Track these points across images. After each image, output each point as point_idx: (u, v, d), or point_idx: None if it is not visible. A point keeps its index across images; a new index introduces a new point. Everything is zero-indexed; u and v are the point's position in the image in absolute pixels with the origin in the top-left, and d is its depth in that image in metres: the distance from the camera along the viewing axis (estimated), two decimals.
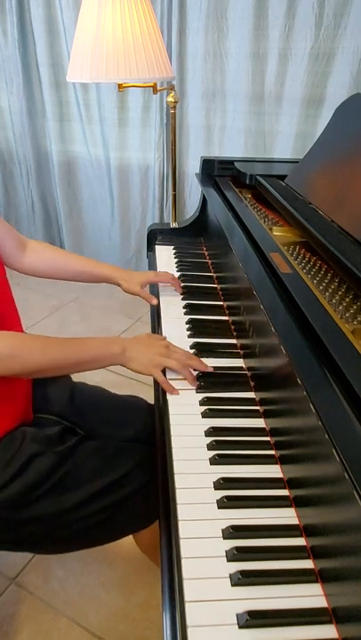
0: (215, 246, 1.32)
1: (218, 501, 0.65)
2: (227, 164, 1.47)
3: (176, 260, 1.36)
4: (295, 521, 0.63)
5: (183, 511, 0.64)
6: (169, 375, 0.87)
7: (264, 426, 0.78)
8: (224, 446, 0.73)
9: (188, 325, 1.04)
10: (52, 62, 2.41)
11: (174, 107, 1.42)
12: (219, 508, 0.64)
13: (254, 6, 1.93)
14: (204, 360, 0.90)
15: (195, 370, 0.88)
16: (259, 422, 0.79)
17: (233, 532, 0.60)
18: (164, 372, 0.87)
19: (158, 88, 1.42)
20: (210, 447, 0.73)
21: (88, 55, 1.23)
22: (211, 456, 0.71)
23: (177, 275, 1.26)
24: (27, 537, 0.85)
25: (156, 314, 1.15)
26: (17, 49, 2.40)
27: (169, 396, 0.84)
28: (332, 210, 0.98)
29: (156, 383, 0.90)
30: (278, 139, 2.17)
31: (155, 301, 1.14)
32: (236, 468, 0.70)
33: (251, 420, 0.80)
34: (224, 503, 0.64)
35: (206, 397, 0.83)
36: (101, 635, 1.14)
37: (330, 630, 0.51)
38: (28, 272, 1.11)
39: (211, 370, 0.89)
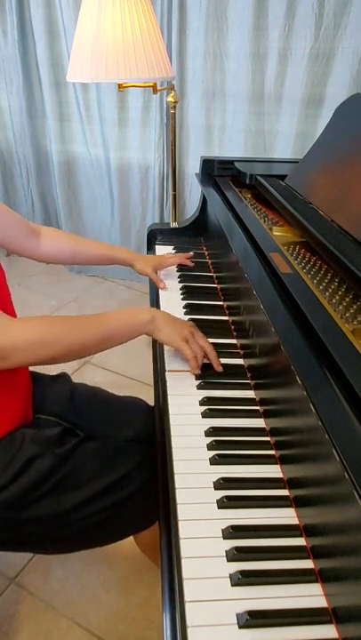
0: (215, 246, 1.32)
1: (218, 501, 0.65)
2: (227, 164, 1.47)
3: (177, 253, 1.36)
4: (295, 521, 0.63)
5: (183, 511, 0.64)
6: (175, 381, 0.88)
7: (264, 426, 0.78)
8: (224, 446, 0.73)
9: None
10: (51, 62, 2.41)
11: (174, 107, 1.42)
12: (219, 508, 0.64)
13: (254, 6, 1.93)
14: (204, 361, 0.90)
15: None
16: (259, 422, 0.79)
17: (233, 532, 0.60)
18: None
19: (158, 88, 1.43)
20: (210, 447, 0.73)
21: (88, 55, 1.23)
22: (211, 456, 0.71)
23: (177, 274, 1.27)
24: (27, 537, 0.85)
25: None
26: (17, 49, 2.40)
27: (169, 396, 0.84)
28: (332, 210, 0.98)
29: (156, 383, 0.90)
30: (278, 139, 2.17)
31: (162, 285, 1.19)
32: (236, 468, 0.70)
33: (251, 420, 0.80)
34: (224, 503, 0.64)
35: (206, 397, 0.83)
36: (101, 635, 1.14)
37: (330, 630, 0.51)
38: (43, 259, 1.12)
39: (220, 369, 0.90)
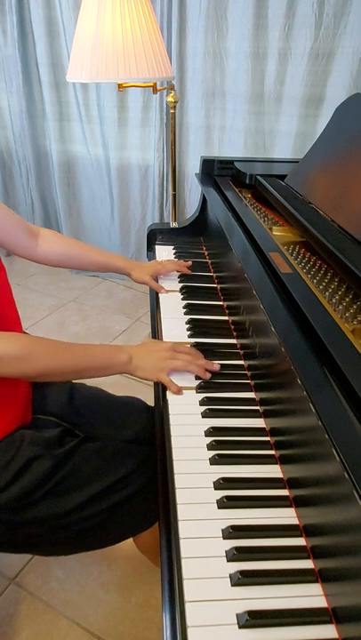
0: (215, 246, 1.32)
1: (218, 501, 0.65)
2: (227, 164, 1.47)
3: (176, 259, 1.36)
4: (295, 521, 0.63)
5: (183, 511, 0.63)
6: (172, 375, 0.87)
7: (264, 426, 0.78)
8: (224, 446, 0.73)
9: (188, 325, 1.04)
10: (51, 62, 2.41)
11: (174, 106, 1.42)
12: (219, 508, 0.64)
13: (254, 6, 1.93)
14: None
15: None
16: (259, 422, 0.79)
17: (233, 532, 0.60)
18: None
19: (158, 88, 1.42)
20: (210, 447, 0.73)
21: (88, 55, 1.23)
22: (211, 456, 0.71)
23: (177, 275, 1.26)
24: (26, 539, 0.85)
25: (155, 314, 1.16)
26: (17, 49, 2.40)
27: (169, 396, 0.84)
28: (331, 209, 0.98)
29: (156, 383, 0.90)
30: (278, 138, 2.17)
31: (163, 291, 1.18)
32: (236, 468, 0.70)
33: (251, 420, 0.80)
34: (224, 503, 0.64)
35: (206, 397, 0.83)
36: (101, 635, 1.14)
37: (330, 630, 0.51)
38: (40, 261, 1.12)
39: (217, 368, 0.89)
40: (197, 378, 0.87)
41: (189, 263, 1.27)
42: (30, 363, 0.78)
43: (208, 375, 0.87)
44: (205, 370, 0.87)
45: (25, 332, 0.94)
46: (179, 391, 0.84)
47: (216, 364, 0.89)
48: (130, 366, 0.86)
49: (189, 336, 1.01)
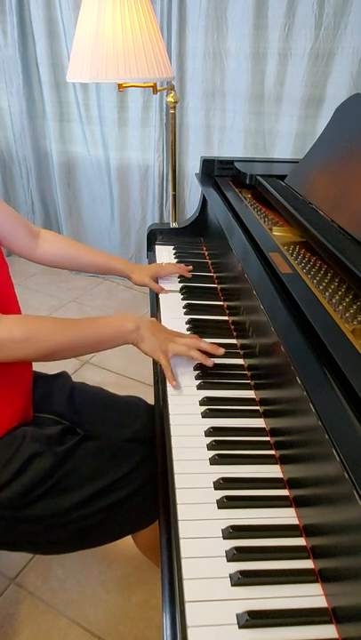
0: (215, 246, 1.32)
1: (218, 501, 0.65)
2: (227, 164, 1.47)
3: (176, 260, 1.36)
4: (295, 521, 0.63)
5: (183, 511, 0.63)
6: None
7: (264, 426, 0.78)
8: (224, 446, 0.73)
9: (188, 325, 1.04)
10: (51, 62, 2.41)
11: (174, 107, 1.42)
12: (219, 508, 0.64)
13: (254, 6, 1.93)
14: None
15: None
16: (259, 422, 0.79)
17: (233, 532, 0.60)
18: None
19: (158, 88, 1.42)
20: (210, 447, 0.73)
21: (88, 55, 1.23)
22: (211, 456, 0.71)
23: (177, 275, 1.26)
24: (26, 537, 0.85)
25: (155, 314, 1.16)
26: (17, 49, 2.41)
27: (169, 396, 0.84)
28: (332, 209, 0.98)
29: (156, 384, 0.90)
30: (278, 139, 2.17)
31: (163, 292, 1.18)
32: (236, 468, 0.70)
33: (251, 420, 0.80)
34: (224, 503, 0.64)
35: (206, 397, 0.83)
36: (101, 635, 1.14)
37: (330, 630, 0.51)
38: (40, 261, 1.12)
39: (222, 352, 0.89)
40: (197, 377, 0.88)
41: (190, 267, 1.26)
42: (35, 344, 0.77)
43: (210, 362, 0.87)
44: (207, 357, 0.88)
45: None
46: (173, 379, 0.85)
47: (221, 349, 0.89)
48: (136, 335, 0.86)
49: None
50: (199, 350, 0.89)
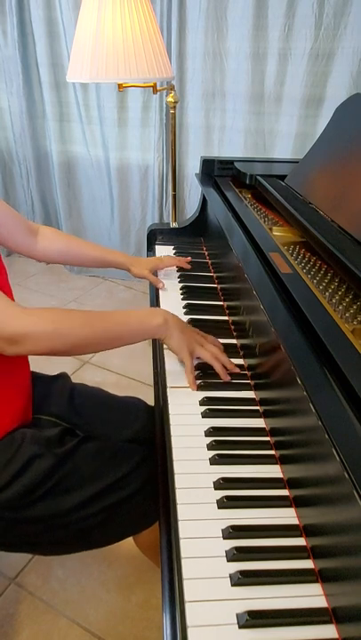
0: (215, 246, 1.32)
1: (218, 501, 0.65)
2: (227, 164, 1.47)
3: (175, 255, 1.36)
4: (295, 521, 0.63)
5: (183, 511, 0.64)
6: (175, 381, 0.87)
7: (264, 426, 0.78)
8: (224, 446, 0.73)
9: None
10: (52, 62, 2.41)
11: (174, 107, 1.42)
12: (219, 508, 0.64)
13: (254, 6, 1.93)
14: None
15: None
16: (259, 422, 0.79)
17: (233, 532, 0.60)
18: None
19: (158, 88, 1.43)
20: (210, 447, 0.73)
21: (88, 55, 1.23)
22: (211, 456, 0.71)
23: (177, 275, 1.27)
24: (26, 537, 0.85)
25: None
26: (17, 49, 2.41)
27: (169, 396, 0.84)
28: (332, 209, 0.98)
29: (156, 384, 0.90)
30: (278, 139, 2.17)
31: (161, 285, 1.19)
32: (236, 468, 0.70)
33: (251, 420, 0.80)
34: (224, 503, 0.64)
35: (206, 397, 0.83)
36: (101, 635, 1.14)
37: (330, 630, 0.51)
38: (40, 258, 1.12)
39: (237, 371, 0.89)
40: (197, 377, 0.88)
41: (188, 259, 1.28)
42: (62, 336, 0.76)
43: (228, 377, 0.87)
44: (197, 373, 0.88)
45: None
46: (194, 383, 0.85)
47: (236, 368, 0.89)
48: (164, 330, 0.85)
49: None
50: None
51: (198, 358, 0.91)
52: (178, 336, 0.87)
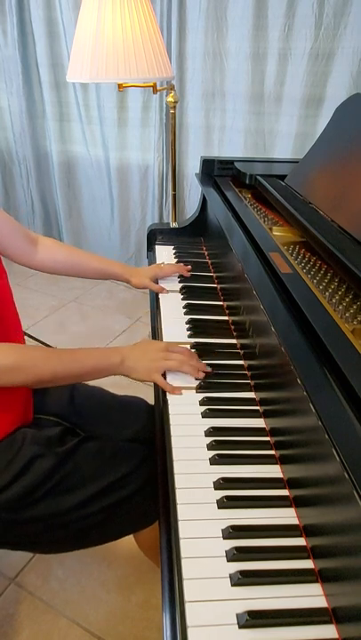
0: (215, 246, 1.32)
1: (218, 501, 0.65)
2: (227, 164, 1.47)
3: (176, 259, 1.36)
4: (295, 521, 0.63)
5: (183, 511, 0.63)
6: (169, 375, 0.87)
7: (264, 426, 0.78)
8: (224, 446, 0.73)
9: (188, 325, 1.04)
10: (51, 62, 2.41)
11: (174, 107, 1.42)
12: (219, 508, 0.64)
13: (254, 6, 1.93)
14: (204, 361, 0.91)
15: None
16: (259, 422, 0.79)
17: (233, 532, 0.60)
18: (164, 374, 0.87)
19: (158, 88, 1.42)
20: (210, 447, 0.73)
21: (88, 55, 1.23)
22: (211, 456, 0.71)
23: (177, 275, 1.26)
24: (26, 537, 0.85)
25: (155, 314, 1.16)
26: (17, 49, 2.41)
27: (169, 397, 0.84)
28: (331, 209, 0.98)
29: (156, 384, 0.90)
30: (278, 139, 2.17)
31: (165, 291, 1.18)
32: (236, 468, 0.70)
33: (251, 420, 0.80)
34: (224, 503, 0.64)
35: (206, 397, 0.83)
36: (101, 635, 1.14)
37: (330, 630, 0.51)
38: (38, 268, 1.12)
39: (209, 371, 0.89)
40: (197, 378, 0.87)
41: (189, 267, 1.26)
42: (23, 373, 0.79)
43: (201, 375, 0.87)
44: (198, 370, 0.87)
45: (25, 333, 0.94)
46: (174, 390, 0.84)
47: (208, 368, 0.89)
48: (123, 368, 0.86)
49: (189, 336, 1.01)
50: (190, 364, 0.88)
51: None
52: (138, 367, 0.86)
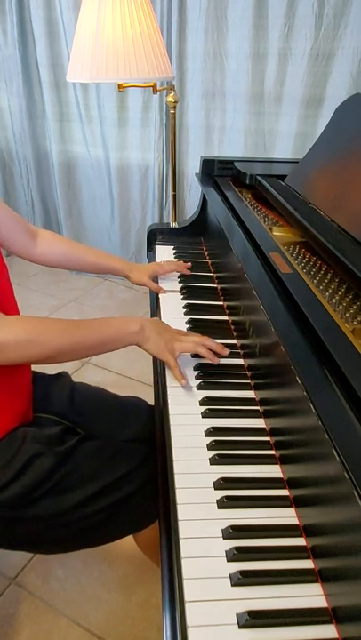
0: (215, 246, 1.32)
1: (218, 501, 0.65)
2: (227, 164, 1.47)
3: (176, 260, 1.36)
4: (295, 521, 0.63)
5: (183, 511, 0.64)
6: (175, 381, 0.87)
7: (264, 426, 0.78)
8: (224, 446, 0.73)
9: (188, 325, 1.04)
10: (52, 62, 2.41)
11: (174, 107, 1.42)
12: (219, 508, 0.64)
13: (254, 6, 1.93)
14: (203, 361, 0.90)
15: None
16: (259, 422, 0.79)
17: (233, 532, 0.60)
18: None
19: (158, 88, 1.42)
20: (210, 447, 0.73)
21: (88, 55, 1.23)
22: (211, 456, 0.71)
23: (177, 275, 1.26)
24: (26, 536, 0.85)
25: (155, 314, 1.16)
26: (17, 49, 2.41)
27: (169, 396, 0.84)
28: (331, 209, 0.98)
29: (156, 383, 0.90)
30: (278, 139, 2.17)
31: (162, 291, 1.18)
32: (236, 468, 0.70)
33: (251, 420, 0.80)
34: (224, 503, 0.64)
35: (206, 397, 0.83)
36: (101, 635, 1.14)
37: (330, 630, 0.51)
38: (39, 261, 1.12)
39: (227, 352, 0.90)
40: (197, 377, 0.88)
41: (189, 265, 1.27)
42: (39, 345, 0.76)
43: (217, 360, 0.88)
44: (215, 354, 0.88)
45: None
46: (182, 378, 0.85)
47: (226, 349, 0.90)
48: (139, 337, 0.85)
49: None
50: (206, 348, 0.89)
51: (198, 356, 0.91)
52: (155, 339, 0.86)
